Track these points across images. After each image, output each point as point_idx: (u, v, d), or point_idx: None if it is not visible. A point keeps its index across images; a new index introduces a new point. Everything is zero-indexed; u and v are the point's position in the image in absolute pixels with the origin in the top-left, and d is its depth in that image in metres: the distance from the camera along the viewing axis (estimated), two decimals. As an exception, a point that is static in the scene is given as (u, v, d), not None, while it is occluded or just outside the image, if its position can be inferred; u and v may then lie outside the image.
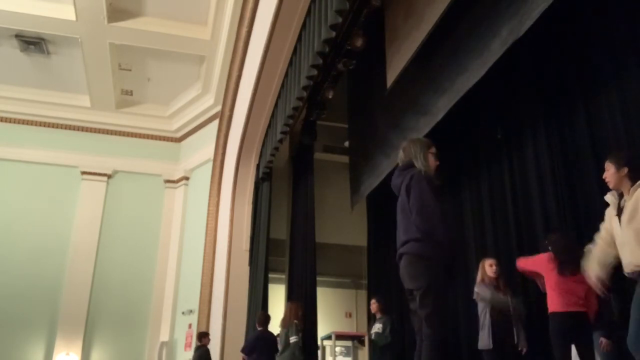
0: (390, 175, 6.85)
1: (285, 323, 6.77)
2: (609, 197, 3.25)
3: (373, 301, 7.20)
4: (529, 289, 5.26)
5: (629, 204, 3.04)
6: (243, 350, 7.00)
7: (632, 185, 3.05)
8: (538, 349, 4.84)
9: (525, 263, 4.49)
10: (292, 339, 6.52)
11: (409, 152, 3.31)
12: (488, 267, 5.05)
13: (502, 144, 6.18)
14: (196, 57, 10.24)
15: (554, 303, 4.07)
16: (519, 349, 4.83)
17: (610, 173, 3.16)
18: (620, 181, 3.11)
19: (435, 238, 2.97)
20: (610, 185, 3.19)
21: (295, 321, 6.72)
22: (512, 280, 5.25)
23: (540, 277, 4.34)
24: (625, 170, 3.08)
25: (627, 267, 3.00)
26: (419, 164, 3.22)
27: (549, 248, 4.29)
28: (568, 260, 4.07)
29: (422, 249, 3.00)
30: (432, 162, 3.27)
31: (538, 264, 4.30)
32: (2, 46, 9.87)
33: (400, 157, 3.39)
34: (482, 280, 5.04)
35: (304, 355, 6.77)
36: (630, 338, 2.93)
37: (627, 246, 2.99)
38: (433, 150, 3.31)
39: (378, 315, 7.02)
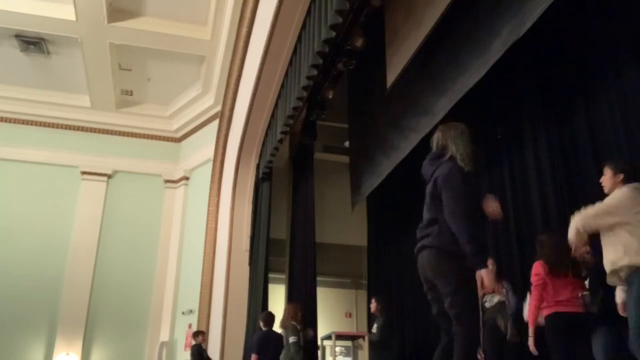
0: (391, 175, 6.91)
1: (283, 324, 6.78)
2: None
3: (372, 300, 7.21)
4: (528, 279, 5.27)
5: (606, 199, 3.18)
6: (254, 351, 6.94)
7: None
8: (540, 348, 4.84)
9: (535, 295, 4.21)
10: (291, 339, 6.52)
11: (447, 136, 3.16)
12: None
13: (502, 144, 6.19)
14: (196, 57, 10.23)
15: (550, 306, 4.06)
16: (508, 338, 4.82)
17: (606, 177, 3.30)
18: (614, 187, 3.25)
19: (461, 244, 2.85)
20: (605, 190, 3.30)
21: (293, 322, 6.72)
22: (512, 277, 5.25)
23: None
24: (621, 176, 3.23)
25: (609, 266, 3.10)
26: (454, 150, 3.08)
27: (538, 249, 4.27)
28: (560, 260, 4.05)
29: (442, 242, 2.90)
30: (469, 148, 3.11)
31: (538, 278, 4.17)
32: (2, 46, 9.86)
33: (437, 139, 3.22)
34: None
35: (302, 355, 6.77)
36: (632, 338, 2.94)
37: (608, 246, 3.08)
38: (469, 136, 3.17)
39: (377, 315, 7.04)
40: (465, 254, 2.83)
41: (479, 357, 4.23)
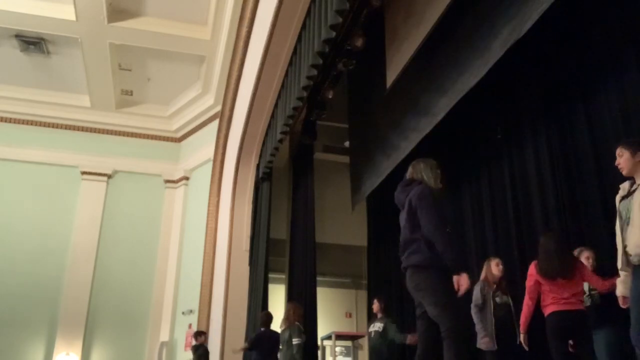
0: (391, 175, 6.91)
1: (288, 323, 6.76)
2: (625, 185, 3.17)
3: (375, 300, 7.21)
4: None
5: None
6: (248, 343, 6.98)
7: None
8: (540, 350, 4.84)
9: (528, 294, 4.24)
10: (295, 341, 6.50)
11: (418, 168, 3.55)
12: (494, 267, 5.05)
13: (502, 144, 6.19)
14: (196, 57, 10.23)
15: (549, 305, 4.05)
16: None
17: (624, 159, 3.07)
18: (635, 167, 3.03)
19: (440, 253, 3.14)
20: (624, 172, 3.09)
21: (297, 323, 6.71)
22: (512, 279, 5.26)
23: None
24: None
25: (635, 249, 2.93)
26: (425, 179, 3.48)
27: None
28: (549, 265, 4.04)
29: (421, 259, 3.21)
30: (438, 182, 3.50)
31: (531, 279, 4.19)
32: (2, 46, 9.86)
33: (409, 172, 3.62)
34: (485, 279, 5.04)
35: (304, 356, 6.77)
36: (633, 330, 2.91)
37: (637, 228, 2.91)
38: (439, 171, 3.54)
39: (379, 315, 7.03)
40: (440, 265, 3.13)
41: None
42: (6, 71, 10.53)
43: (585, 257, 4.45)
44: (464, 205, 6.82)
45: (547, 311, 4.05)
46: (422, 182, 3.45)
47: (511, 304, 4.96)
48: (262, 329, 6.95)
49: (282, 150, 8.61)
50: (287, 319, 6.79)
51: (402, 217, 3.49)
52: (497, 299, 5.01)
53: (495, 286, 5.03)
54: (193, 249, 10.64)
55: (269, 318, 7.03)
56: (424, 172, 3.51)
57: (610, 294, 3.94)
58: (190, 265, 10.66)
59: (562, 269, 4.02)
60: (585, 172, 4.92)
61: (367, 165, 7.78)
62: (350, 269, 11.66)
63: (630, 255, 2.96)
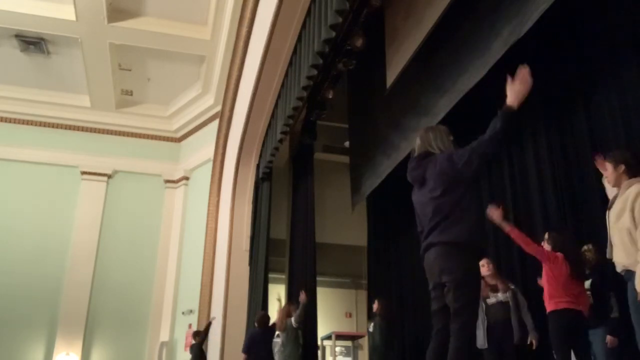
0: (391, 175, 6.91)
1: (279, 328, 6.81)
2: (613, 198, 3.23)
3: (375, 302, 7.24)
4: (528, 280, 5.27)
5: (618, 201, 3.04)
6: (244, 350, 7.02)
7: None
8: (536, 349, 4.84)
9: (524, 240, 4.25)
10: (288, 339, 6.56)
11: (427, 140, 3.15)
12: (481, 268, 5.02)
13: (502, 144, 6.18)
14: (196, 57, 10.23)
15: (560, 301, 4.04)
16: (528, 342, 4.80)
17: (608, 172, 3.18)
18: (619, 179, 3.12)
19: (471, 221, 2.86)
20: (611, 185, 3.20)
21: (288, 319, 6.77)
22: (512, 270, 5.26)
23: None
24: (622, 167, 3.10)
25: (617, 266, 3.06)
26: (441, 147, 3.10)
27: (554, 246, 4.23)
28: (580, 264, 4.08)
29: (457, 236, 2.83)
30: (453, 145, 3.15)
31: (540, 253, 4.20)
32: (2, 46, 9.86)
33: (417, 145, 3.19)
34: None
35: (301, 355, 6.79)
36: None
37: (614, 246, 3.02)
38: (451, 137, 3.19)
39: (377, 315, 7.06)
40: (473, 247, 2.85)
41: None
42: (6, 71, 10.53)
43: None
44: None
45: (553, 307, 4.03)
46: (442, 152, 3.05)
47: (509, 301, 4.93)
48: (258, 329, 6.97)
49: (282, 150, 8.61)
50: (278, 323, 6.86)
51: (421, 194, 3.05)
52: (489, 300, 4.99)
53: (487, 288, 5.00)
54: (193, 249, 10.64)
55: (265, 319, 7.05)
56: (434, 142, 3.11)
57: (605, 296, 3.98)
58: (190, 265, 10.66)
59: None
60: (585, 172, 4.92)
61: (367, 166, 7.78)
62: (350, 269, 11.67)
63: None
